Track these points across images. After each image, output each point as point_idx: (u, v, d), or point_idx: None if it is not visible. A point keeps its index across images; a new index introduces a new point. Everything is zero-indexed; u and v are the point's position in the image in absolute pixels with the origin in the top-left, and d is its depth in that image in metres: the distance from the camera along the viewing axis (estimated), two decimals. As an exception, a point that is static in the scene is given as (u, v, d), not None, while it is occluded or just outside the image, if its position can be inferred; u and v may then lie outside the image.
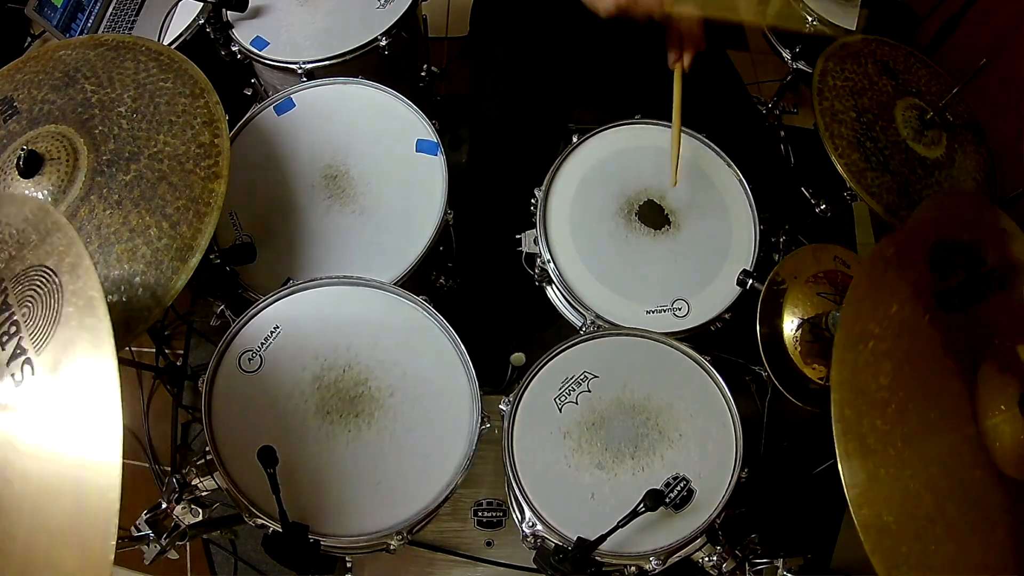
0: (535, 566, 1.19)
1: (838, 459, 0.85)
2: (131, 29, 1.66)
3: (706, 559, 1.19)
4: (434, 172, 1.44)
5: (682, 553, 1.16)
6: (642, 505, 1.02)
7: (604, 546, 1.05)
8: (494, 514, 1.38)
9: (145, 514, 1.13)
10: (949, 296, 0.99)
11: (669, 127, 1.50)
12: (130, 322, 1.07)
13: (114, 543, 0.72)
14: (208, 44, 1.63)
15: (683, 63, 1.36)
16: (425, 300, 1.24)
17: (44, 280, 0.85)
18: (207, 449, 1.12)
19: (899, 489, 0.86)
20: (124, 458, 0.75)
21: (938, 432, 0.92)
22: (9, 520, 0.78)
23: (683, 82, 1.38)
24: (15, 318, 0.83)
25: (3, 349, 0.82)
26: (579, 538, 1.08)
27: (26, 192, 1.13)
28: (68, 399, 0.79)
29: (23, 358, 0.81)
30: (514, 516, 1.28)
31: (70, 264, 0.84)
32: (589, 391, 1.21)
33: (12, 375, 0.80)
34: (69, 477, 0.76)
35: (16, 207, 0.94)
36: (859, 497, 0.84)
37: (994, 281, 1.03)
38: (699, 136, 1.49)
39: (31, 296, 0.84)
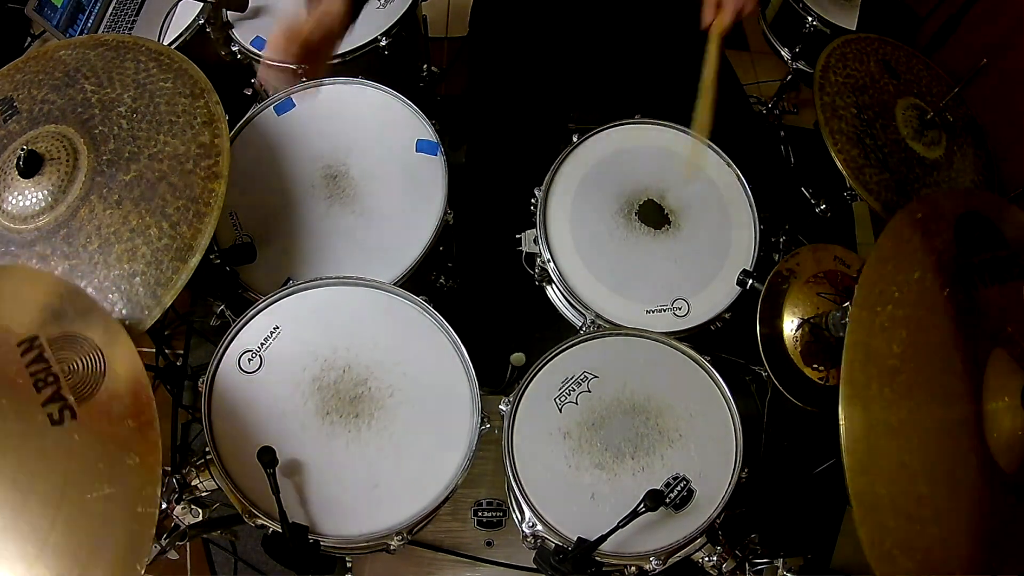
0: (535, 566, 1.18)
1: (840, 415, 0.84)
2: (131, 29, 1.66)
3: (706, 559, 1.19)
4: (434, 172, 1.44)
5: (682, 553, 1.16)
6: (642, 505, 1.02)
7: (604, 546, 1.05)
8: (494, 514, 1.38)
9: (145, 514, 1.13)
10: (970, 272, 0.96)
11: (669, 127, 1.50)
12: (130, 322, 1.07)
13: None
14: (208, 44, 1.63)
15: (722, 21, 1.18)
16: (425, 300, 1.24)
17: (85, 347, 0.95)
18: (207, 449, 1.12)
19: (895, 463, 0.87)
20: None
21: (940, 407, 0.91)
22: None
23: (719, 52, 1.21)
24: (52, 370, 0.92)
25: (38, 392, 0.90)
26: (579, 538, 1.08)
27: (26, 192, 1.13)
28: (110, 444, 0.87)
29: (61, 403, 0.89)
30: (514, 516, 1.28)
31: (111, 341, 0.96)
32: (589, 391, 1.21)
33: (49, 415, 0.88)
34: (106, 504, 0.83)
35: (50, 282, 1.04)
36: (856, 464, 0.84)
37: (1015, 267, 1.01)
38: (699, 136, 1.49)
39: (72, 358, 0.93)
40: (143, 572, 0.80)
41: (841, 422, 0.84)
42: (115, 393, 0.90)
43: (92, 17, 1.68)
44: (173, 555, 1.18)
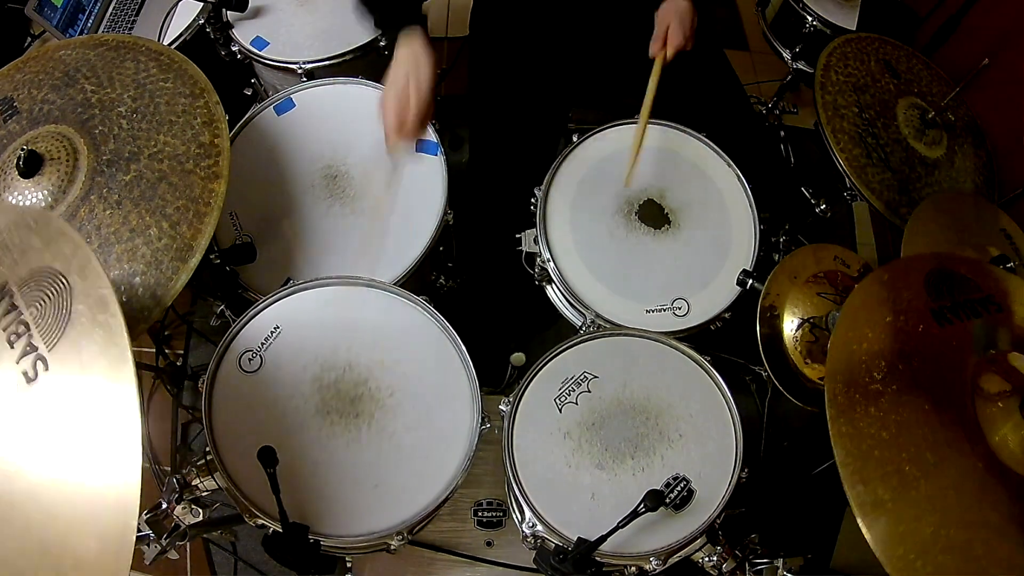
0: (535, 566, 1.19)
1: (832, 439, 0.88)
2: (131, 29, 1.66)
3: (706, 559, 1.19)
4: (434, 172, 1.44)
5: (682, 553, 1.16)
6: (642, 505, 1.02)
7: (604, 546, 1.05)
8: (494, 514, 1.38)
9: (145, 514, 1.13)
10: (944, 313, 1.02)
11: (670, 127, 1.50)
12: (130, 322, 1.06)
13: (133, 538, 0.75)
14: (208, 44, 1.63)
15: (666, 55, 1.33)
16: (425, 300, 1.24)
17: (52, 281, 0.88)
18: (207, 449, 1.12)
19: (893, 469, 0.89)
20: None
21: (933, 415, 0.94)
22: (25, 510, 0.81)
23: (663, 76, 1.35)
24: (23, 318, 0.87)
25: (12, 348, 0.85)
26: (579, 538, 1.08)
27: (26, 192, 1.13)
28: (84, 392, 0.82)
29: (34, 355, 0.84)
30: (514, 516, 1.28)
31: (78, 266, 0.88)
32: (589, 391, 1.21)
33: (24, 372, 0.84)
34: (86, 471, 0.79)
35: (16, 216, 0.97)
36: (853, 476, 0.86)
37: (991, 304, 1.05)
38: (699, 136, 1.49)
39: (40, 298, 0.87)
40: (135, 527, 0.78)
41: (833, 446, 0.88)
42: (84, 328, 0.85)
43: (92, 17, 1.68)
44: (173, 555, 1.18)
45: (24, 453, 0.82)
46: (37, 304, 0.87)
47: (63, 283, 0.87)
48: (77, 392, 0.82)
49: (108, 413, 0.80)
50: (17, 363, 0.85)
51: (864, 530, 0.84)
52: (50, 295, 0.87)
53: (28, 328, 0.86)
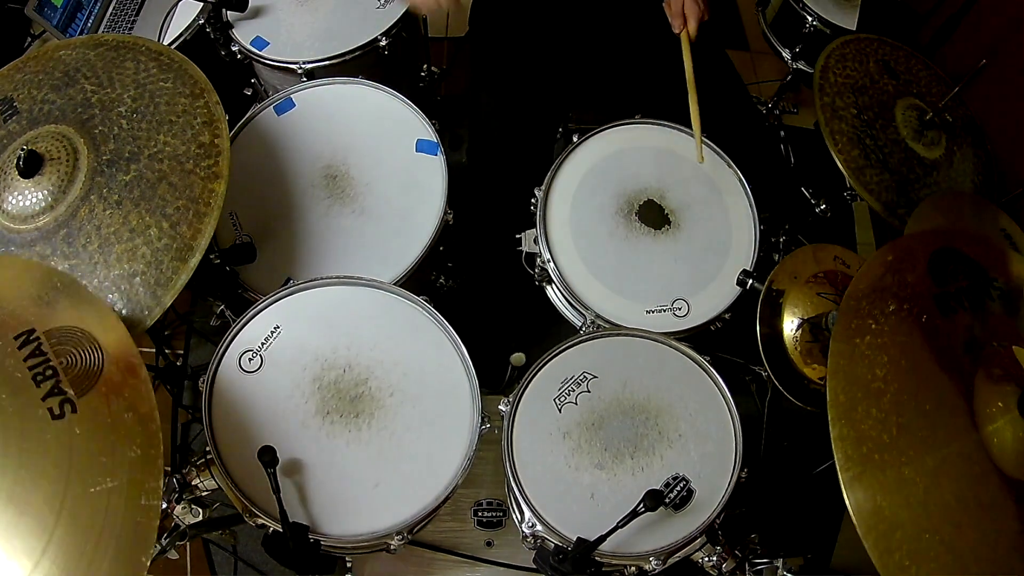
0: (535, 566, 1.19)
1: (832, 442, 0.87)
2: (131, 29, 1.66)
3: (706, 559, 1.19)
4: (434, 172, 1.44)
5: (682, 553, 1.16)
6: (642, 505, 1.02)
7: (604, 546, 1.05)
8: (494, 514, 1.38)
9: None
10: (947, 300, 1.01)
11: (669, 127, 1.50)
12: (130, 322, 1.07)
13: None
14: (208, 44, 1.63)
15: (688, 30, 1.39)
16: (425, 300, 1.24)
17: (83, 340, 0.95)
18: (207, 449, 1.12)
19: (893, 476, 0.88)
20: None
21: (934, 426, 0.94)
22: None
23: (691, 51, 1.39)
24: (51, 364, 0.92)
25: (38, 387, 0.90)
26: (579, 538, 1.08)
27: (26, 192, 1.13)
28: (106, 439, 0.87)
29: (62, 397, 0.89)
30: (514, 516, 1.28)
31: (105, 331, 0.96)
32: (589, 391, 1.21)
33: (50, 408, 0.88)
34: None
35: (44, 273, 1.04)
36: (853, 480, 0.86)
37: (994, 290, 1.04)
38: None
39: (71, 351, 0.93)
40: (147, 563, 0.80)
41: (833, 447, 0.88)
42: (113, 386, 0.90)
43: (92, 17, 1.68)
44: (173, 555, 1.18)
45: (45, 481, 0.85)
46: (67, 357, 0.93)
47: (95, 347, 0.94)
48: (104, 435, 0.87)
49: (132, 460, 0.86)
50: (43, 400, 0.89)
51: (862, 536, 0.84)
52: (81, 352, 0.94)
53: (56, 373, 0.91)
